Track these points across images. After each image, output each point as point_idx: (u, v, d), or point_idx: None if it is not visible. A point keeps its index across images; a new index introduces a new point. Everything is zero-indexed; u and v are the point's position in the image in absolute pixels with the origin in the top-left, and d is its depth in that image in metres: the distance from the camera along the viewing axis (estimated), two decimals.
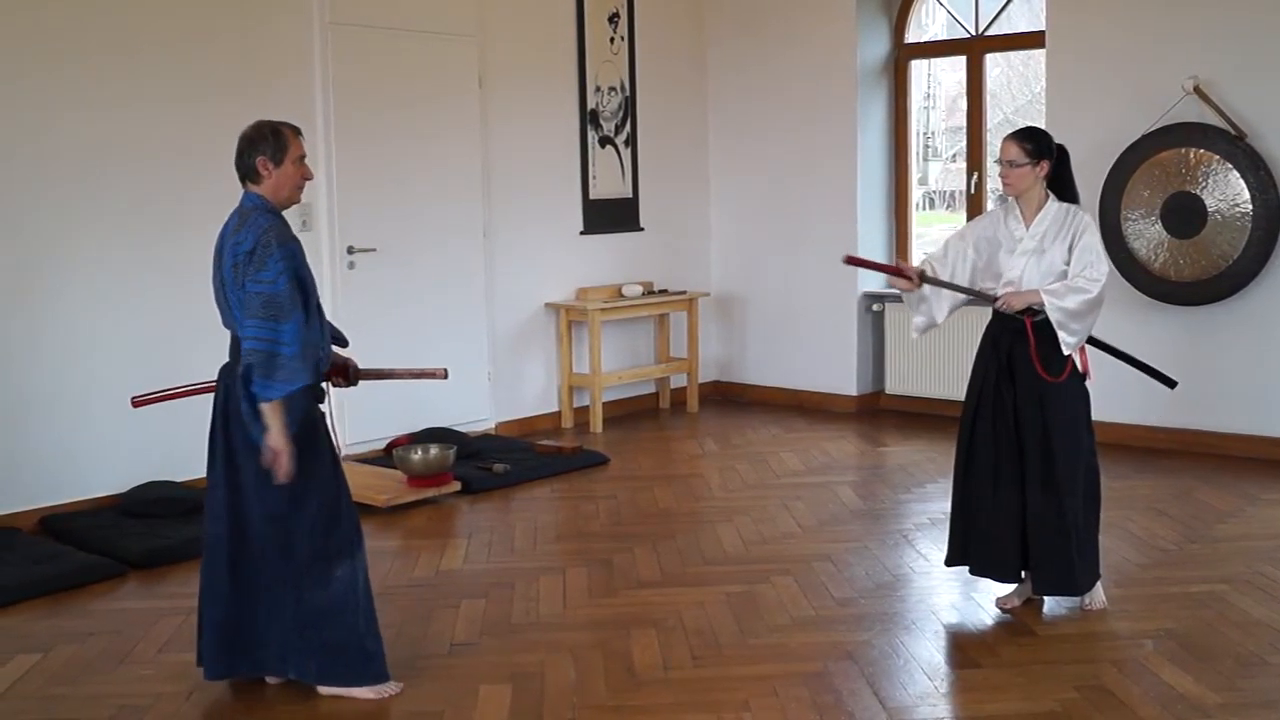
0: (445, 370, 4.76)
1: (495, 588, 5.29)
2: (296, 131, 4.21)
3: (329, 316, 7.32)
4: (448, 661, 4.51)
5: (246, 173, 4.14)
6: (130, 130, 6.59)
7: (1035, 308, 4.73)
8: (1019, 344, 4.79)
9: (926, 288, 4.92)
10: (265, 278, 3.95)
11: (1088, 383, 4.89)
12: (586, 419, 8.63)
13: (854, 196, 8.80)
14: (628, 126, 9.07)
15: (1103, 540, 5.69)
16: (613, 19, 8.91)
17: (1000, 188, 5.04)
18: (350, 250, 7.46)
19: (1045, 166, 4.79)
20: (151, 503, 6.31)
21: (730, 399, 9.55)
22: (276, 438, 3.96)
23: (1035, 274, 4.78)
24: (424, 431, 7.48)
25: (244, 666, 4.21)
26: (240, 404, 4.02)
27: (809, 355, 9.09)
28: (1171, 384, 5.32)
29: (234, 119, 6.90)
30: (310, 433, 4.17)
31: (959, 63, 8.87)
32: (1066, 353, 4.73)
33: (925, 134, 9.58)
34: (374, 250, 7.56)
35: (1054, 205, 4.83)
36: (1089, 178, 7.59)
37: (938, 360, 8.57)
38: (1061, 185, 4.87)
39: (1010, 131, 4.88)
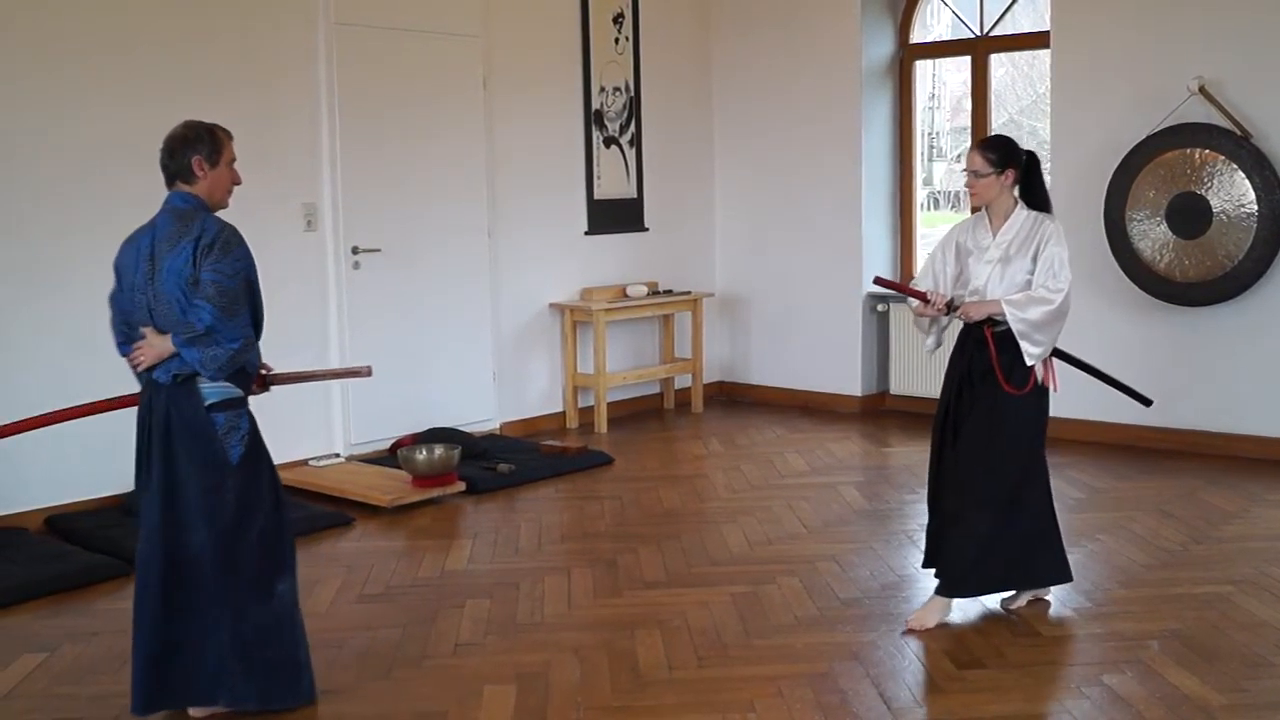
0: (369, 368, 4.68)
1: (500, 588, 5.30)
2: (228, 134, 4.19)
3: (332, 317, 7.41)
4: (452, 661, 4.51)
5: (179, 172, 4.05)
6: (133, 130, 6.57)
7: (997, 318, 4.68)
8: (980, 354, 4.76)
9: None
10: (225, 270, 3.97)
11: (1053, 395, 4.86)
12: (591, 419, 8.63)
13: (859, 196, 8.79)
14: (632, 127, 9.07)
15: (1105, 541, 5.72)
16: (617, 19, 8.91)
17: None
18: (355, 250, 7.46)
19: (1011, 175, 4.74)
20: None
21: (735, 399, 9.55)
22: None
23: (999, 283, 4.73)
24: (428, 431, 7.49)
25: (174, 698, 4.02)
26: (186, 416, 3.97)
27: (813, 356, 9.09)
28: (1147, 402, 5.32)
29: (239, 119, 6.92)
30: (256, 447, 4.13)
31: (964, 63, 8.87)
32: (1030, 363, 4.68)
33: (930, 134, 9.58)
34: (378, 250, 7.56)
35: (1022, 214, 4.76)
36: (1094, 178, 7.61)
37: (942, 361, 8.48)
38: (1033, 193, 4.81)
39: (976, 141, 4.88)
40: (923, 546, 5.67)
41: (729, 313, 9.65)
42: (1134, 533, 5.87)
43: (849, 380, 8.96)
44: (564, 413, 8.71)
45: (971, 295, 4.79)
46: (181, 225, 4.01)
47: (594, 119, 8.81)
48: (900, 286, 5.01)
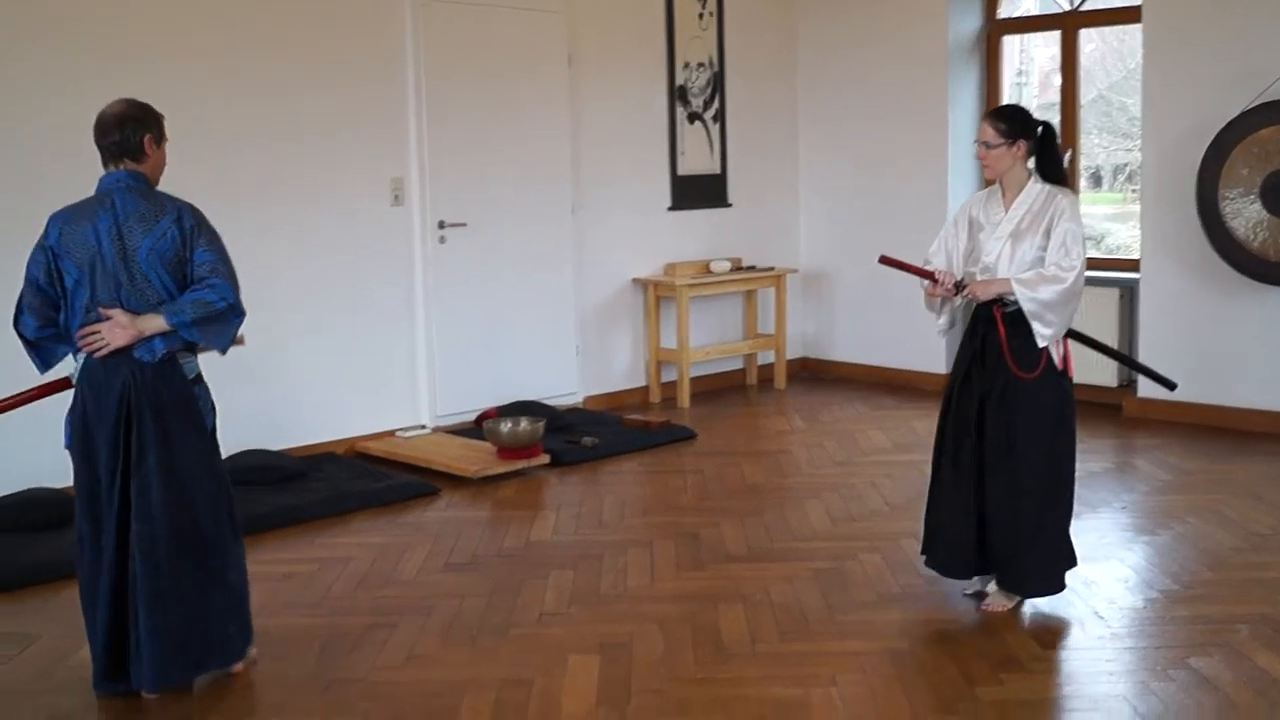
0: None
1: (583, 559, 5.35)
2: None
3: (419, 290, 7.51)
4: (537, 630, 4.57)
5: (129, 150, 3.99)
6: (223, 111, 6.70)
7: (1007, 298, 4.55)
8: (993, 334, 4.61)
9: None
10: (217, 248, 4.05)
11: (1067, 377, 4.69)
12: (674, 394, 8.67)
13: (944, 173, 8.72)
14: (716, 102, 9.06)
15: (1194, 523, 5.66)
16: None
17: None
18: (441, 225, 7.54)
19: (1023, 147, 4.58)
20: (248, 470, 6.44)
21: (817, 376, 9.53)
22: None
23: (1010, 259, 4.57)
24: (513, 404, 7.56)
25: (193, 669, 4.07)
26: (176, 393, 4.02)
27: (897, 333, 9.04)
28: (1171, 386, 5.18)
29: (328, 96, 7.07)
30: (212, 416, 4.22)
31: (1053, 38, 8.75)
32: (1042, 345, 4.52)
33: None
34: (464, 225, 7.63)
35: (1035, 187, 4.61)
36: (1185, 156, 7.49)
37: None
38: (1048, 166, 4.65)
39: (981, 111, 4.73)
40: None
41: (812, 289, 9.63)
42: (1224, 516, 5.80)
43: (933, 357, 8.90)
44: (647, 387, 8.75)
45: (982, 272, 4.64)
46: (150, 205, 3.99)
47: (678, 94, 8.81)
48: (908, 266, 4.81)
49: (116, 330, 3.90)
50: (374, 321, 7.35)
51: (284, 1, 6.87)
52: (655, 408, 8.52)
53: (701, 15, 8.91)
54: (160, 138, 4.09)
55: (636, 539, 5.64)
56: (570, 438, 7.23)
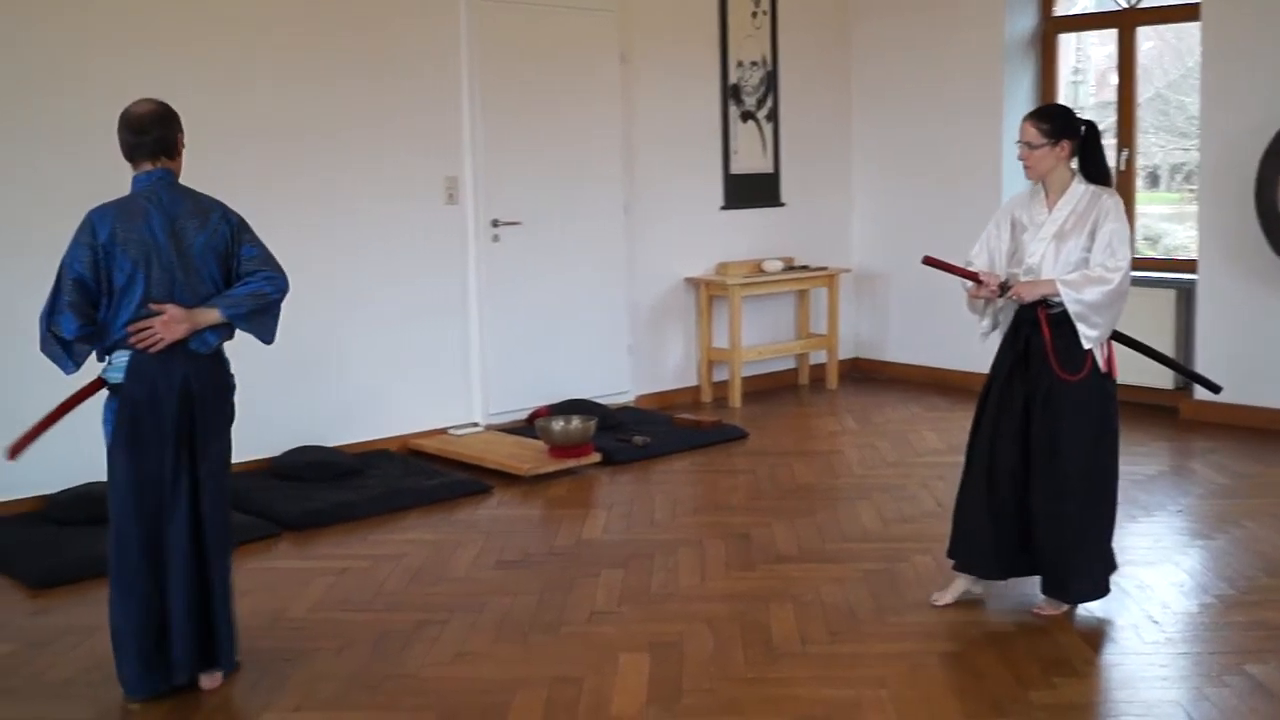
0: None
1: (634, 558, 5.37)
2: None
3: (472, 288, 7.56)
4: (588, 629, 4.59)
5: (165, 148, 4.04)
6: (279, 109, 6.77)
7: (1051, 299, 4.50)
8: (1036, 335, 4.56)
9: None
10: (258, 242, 4.17)
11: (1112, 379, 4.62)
12: (725, 393, 8.67)
13: (998, 173, 8.66)
14: (769, 101, 9.05)
15: (1250, 528, 5.59)
16: None
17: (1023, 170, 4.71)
18: (495, 223, 7.58)
19: (1067, 147, 4.54)
20: (303, 466, 6.51)
21: (869, 376, 9.50)
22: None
23: (1054, 261, 4.52)
24: (565, 403, 7.59)
25: (203, 663, 4.12)
26: (220, 385, 4.14)
27: (950, 333, 8.97)
28: (1216, 389, 5.05)
29: (383, 95, 7.14)
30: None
31: (1110, 36, 8.67)
32: (1088, 347, 4.47)
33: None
34: (518, 223, 7.67)
35: (1079, 188, 4.56)
36: (1244, 155, 7.40)
37: None
38: (1092, 165, 4.60)
39: (1028, 111, 4.61)
40: None
41: (865, 289, 9.60)
42: None
43: (986, 359, 8.68)
44: (698, 387, 8.76)
45: (1025, 273, 4.58)
46: (195, 202, 4.08)
47: (731, 93, 8.81)
48: (952, 267, 4.74)
49: (173, 325, 3.95)
50: (427, 319, 7.40)
51: (339, 3, 6.92)
52: (707, 407, 8.53)
53: (755, 14, 8.90)
54: (183, 138, 4.17)
55: (687, 538, 5.65)
56: (622, 436, 7.25)
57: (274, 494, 6.20)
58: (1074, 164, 4.61)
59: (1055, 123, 4.54)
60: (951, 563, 4.81)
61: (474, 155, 7.48)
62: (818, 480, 6.62)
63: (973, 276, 4.66)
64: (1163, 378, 7.99)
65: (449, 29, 7.35)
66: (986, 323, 4.83)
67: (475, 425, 7.58)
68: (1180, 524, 5.77)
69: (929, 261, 4.82)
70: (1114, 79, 8.63)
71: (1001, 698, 3.95)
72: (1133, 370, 8.15)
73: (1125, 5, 8.48)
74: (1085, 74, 9.46)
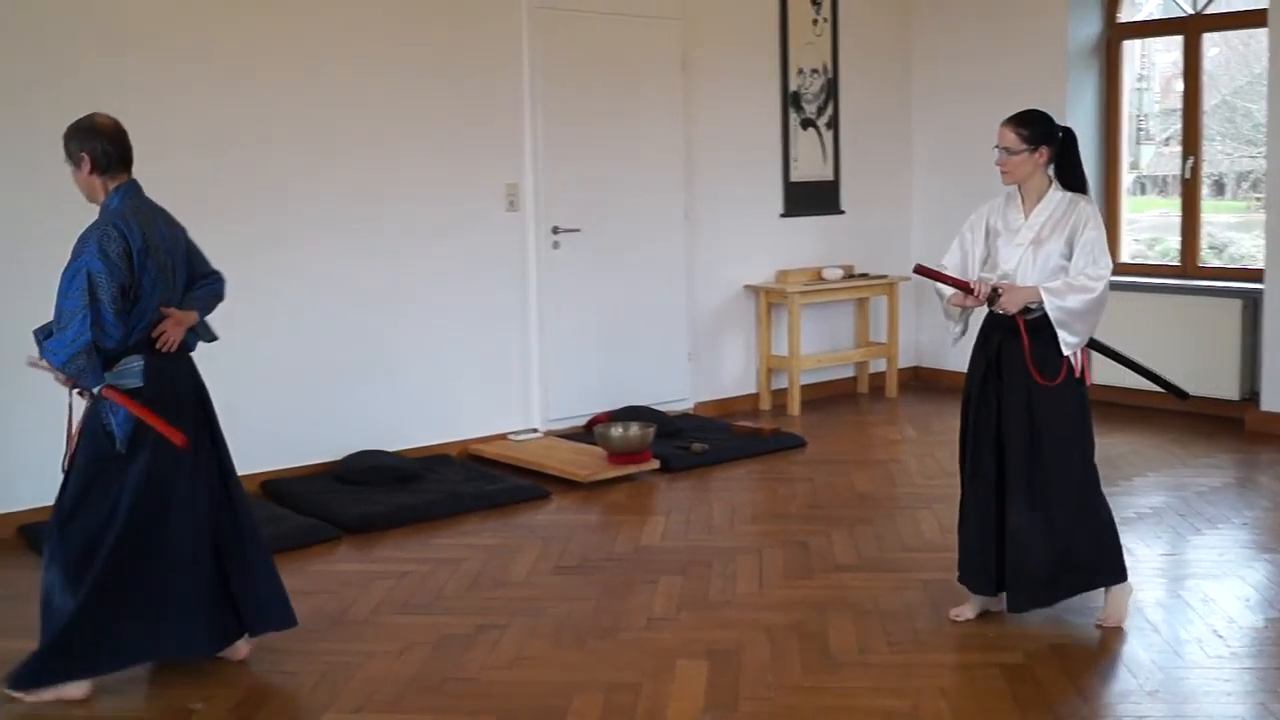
0: None
1: (692, 565, 5.37)
2: None
3: (532, 295, 7.60)
4: (646, 635, 4.60)
5: (130, 160, 4.19)
6: (350, 121, 6.84)
7: (1031, 305, 4.45)
8: (1010, 342, 4.51)
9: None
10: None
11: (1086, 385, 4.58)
12: (784, 401, 8.65)
13: None
14: (830, 109, 9.03)
15: None
16: (816, 0, 8.87)
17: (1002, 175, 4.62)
18: (555, 230, 7.62)
19: (1045, 153, 4.50)
20: (364, 470, 6.57)
21: (929, 385, 9.45)
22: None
23: (1032, 267, 4.49)
24: (624, 410, 7.61)
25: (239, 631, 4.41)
26: (199, 377, 4.35)
27: None
28: (1183, 395, 4.99)
29: (446, 103, 7.19)
30: None
31: (1175, 42, 8.59)
32: (1067, 353, 4.44)
33: (1138, 116, 9.30)
34: (578, 230, 7.70)
35: (1056, 194, 4.53)
36: None
37: (1146, 350, 8.28)
38: (1068, 172, 4.56)
39: (1008, 116, 4.55)
40: (1125, 541, 5.56)
41: (925, 297, 9.53)
42: None
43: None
44: (757, 394, 8.75)
45: (1001, 278, 4.53)
46: (161, 210, 4.27)
47: (791, 101, 8.80)
48: (943, 276, 4.64)
49: (178, 327, 4.20)
50: (488, 325, 7.45)
51: (402, 11, 6.99)
52: (765, 415, 8.52)
53: (816, 21, 8.89)
54: None
55: (745, 546, 5.64)
56: (680, 443, 7.26)
57: (335, 497, 6.26)
58: (1050, 171, 4.59)
59: (1035, 128, 4.52)
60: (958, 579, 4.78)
61: (535, 162, 7.52)
62: (877, 489, 6.59)
63: (964, 285, 4.59)
64: (1229, 388, 7.91)
65: (511, 37, 7.40)
66: (959, 328, 4.81)
67: (534, 431, 7.61)
68: (1246, 537, 5.70)
69: (921, 270, 4.73)
70: (1179, 86, 8.54)
71: (1064, 711, 3.92)
72: (1197, 380, 8.08)
73: (1191, 11, 8.39)
74: (1150, 81, 9.37)
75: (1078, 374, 4.55)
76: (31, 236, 5.86)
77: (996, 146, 4.56)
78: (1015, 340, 4.50)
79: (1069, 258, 4.49)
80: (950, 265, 4.70)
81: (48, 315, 4.07)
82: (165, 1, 6.24)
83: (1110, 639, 4.49)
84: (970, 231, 4.70)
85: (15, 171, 5.90)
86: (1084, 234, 4.47)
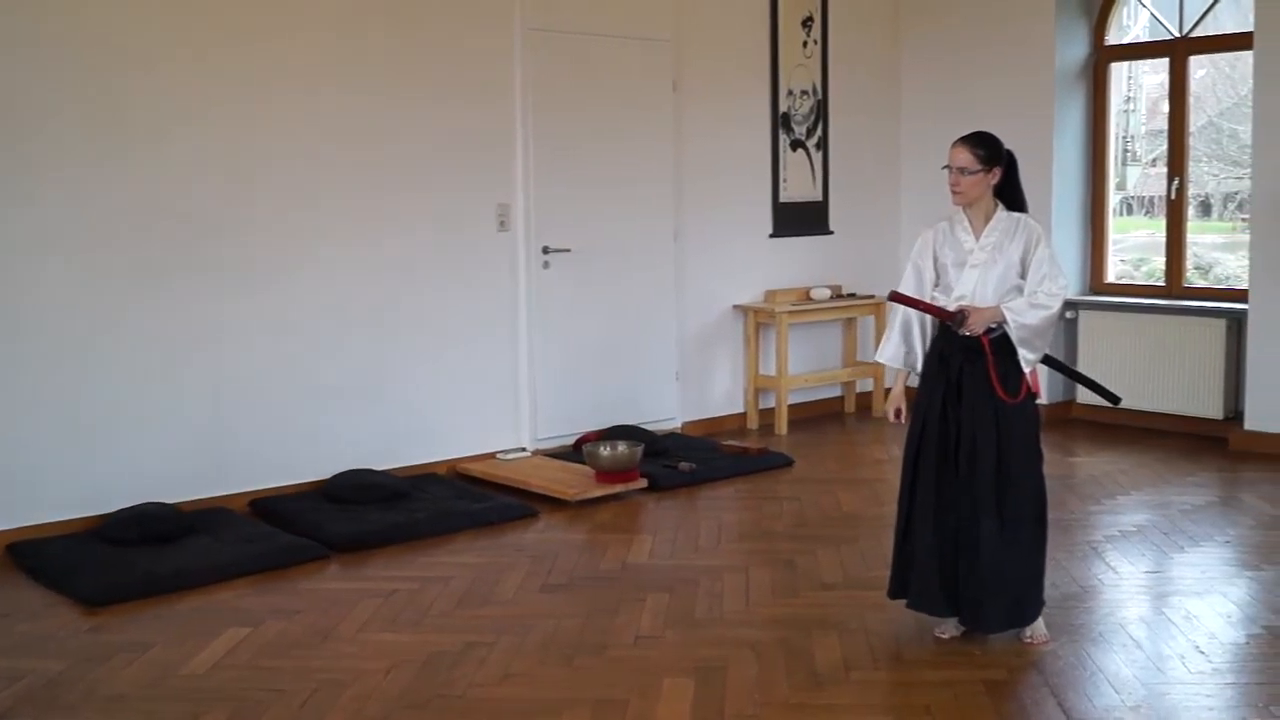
0: None
1: (680, 583, 5.40)
2: None
3: (522, 314, 7.61)
4: (633, 652, 4.62)
5: None
6: (341, 141, 6.88)
7: (991, 325, 4.50)
8: (971, 363, 4.54)
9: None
10: None
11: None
12: (772, 421, 8.69)
13: (1049, 202, 8.63)
14: (819, 130, 9.09)
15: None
16: (806, 22, 8.94)
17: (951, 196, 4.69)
18: (545, 250, 7.65)
19: (998, 174, 4.56)
20: (353, 489, 6.59)
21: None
22: None
23: (989, 288, 4.54)
24: (612, 428, 7.63)
25: None
26: None
27: None
28: (1115, 400, 5.03)
29: (438, 122, 7.23)
30: None
31: (1161, 65, 8.66)
32: (1027, 369, 4.51)
33: (1125, 138, 9.37)
34: (568, 250, 7.74)
35: (1003, 215, 4.59)
36: None
37: (1132, 370, 8.37)
38: (1010, 193, 4.63)
39: (959, 136, 4.60)
40: (1109, 559, 5.64)
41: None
42: None
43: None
44: (745, 414, 8.78)
45: (957, 301, 4.57)
46: None
47: (781, 122, 8.86)
48: (922, 304, 4.65)
49: None
50: (478, 345, 7.48)
51: (395, 30, 7.03)
52: (753, 434, 8.55)
53: (806, 43, 8.95)
54: None
55: (732, 564, 5.67)
56: (668, 462, 7.29)
57: (324, 516, 6.28)
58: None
59: (989, 149, 4.57)
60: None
61: (526, 183, 7.56)
62: (863, 508, 6.62)
63: (942, 312, 4.61)
64: (1213, 407, 7.97)
65: (503, 57, 7.45)
66: (904, 351, 4.77)
67: (523, 450, 7.63)
68: (1229, 554, 5.74)
69: (898, 298, 4.71)
70: (1165, 107, 8.61)
71: None
72: (1182, 399, 8.13)
73: (1178, 34, 8.47)
74: (1136, 102, 9.44)
75: (1033, 389, 4.61)
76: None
77: (949, 166, 4.60)
78: (977, 360, 4.54)
79: (1023, 275, 4.55)
80: (910, 293, 4.71)
81: None
82: (161, 28, 6.27)
83: (1089, 654, 4.51)
84: (921, 260, 4.73)
85: None
86: (1037, 252, 4.54)
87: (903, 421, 4.68)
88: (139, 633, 4.88)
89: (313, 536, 5.99)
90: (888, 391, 9.15)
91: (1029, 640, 4.62)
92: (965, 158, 4.56)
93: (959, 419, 4.58)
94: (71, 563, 5.61)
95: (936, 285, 4.69)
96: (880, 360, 4.82)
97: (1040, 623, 4.68)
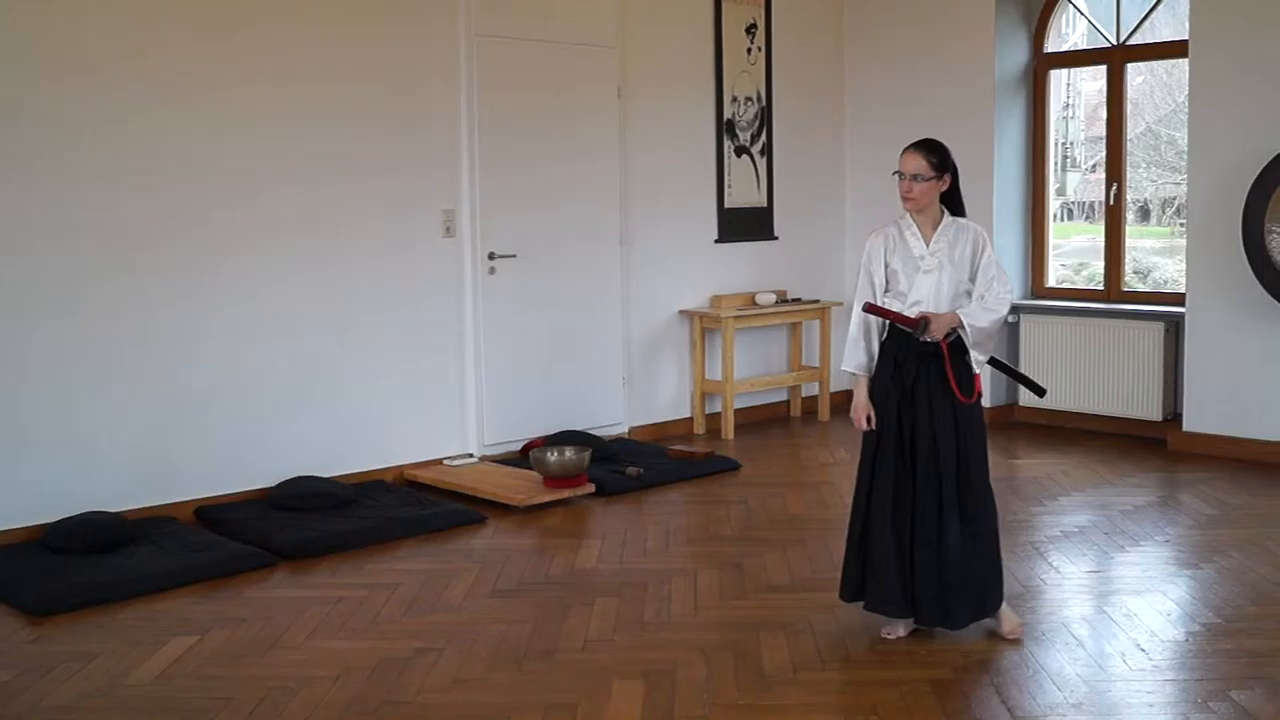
0: None
1: (628, 587, 5.42)
2: None
3: (469, 321, 7.60)
4: (582, 656, 4.63)
5: None
6: (286, 145, 6.84)
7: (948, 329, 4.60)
8: (926, 367, 4.61)
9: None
10: None
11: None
12: (718, 425, 8.73)
13: (990, 207, 8.74)
14: (763, 136, 9.15)
15: (1237, 557, 5.67)
16: (750, 30, 9.00)
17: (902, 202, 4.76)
18: (491, 256, 7.65)
19: (947, 181, 4.66)
20: (299, 496, 6.56)
21: None
22: None
23: (942, 293, 4.62)
24: (560, 434, 7.64)
25: None
26: None
27: None
28: (1040, 391, 5.06)
29: (383, 128, 7.20)
30: None
31: (1100, 72, 8.79)
32: (977, 370, 4.62)
33: (1064, 144, 9.49)
34: (514, 256, 7.74)
35: (949, 220, 4.68)
36: (1231, 189, 7.50)
37: (1072, 372, 8.49)
38: (954, 199, 4.72)
39: (910, 144, 4.67)
40: (1052, 559, 5.71)
41: None
42: (1267, 550, 5.79)
43: (993, 387, 8.88)
44: (692, 418, 8.82)
45: (912, 307, 4.64)
46: None
47: (725, 128, 8.91)
48: (894, 315, 4.67)
49: None
50: (424, 351, 7.46)
51: (339, 34, 7.01)
52: (700, 438, 8.59)
53: (750, 50, 9.01)
54: None
55: (680, 568, 5.69)
56: (615, 468, 7.30)
57: (270, 523, 6.24)
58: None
59: (941, 156, 4.66)
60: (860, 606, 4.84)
61: (471, 188, 7.55)
62: (809, 511, 6.67)
63: (908, 320, 4.64)
64: (1152, 409, 8.10)
65: (449, 63, 7.44)
66: (864, 358, 4.77)
67: (470, 456, 7.62)
68: (1168, 554, 5.83)
69: (870, 309, 4.72)
70: (1104, 114, 8.73)
71: None
72: (1121, 402, 8.26)
73: (1115, 43, 8.59)
74: (1076, 109, 9.57)
75: (978, 390, 4.70)
76: None
77: (899, 173, 4.66)
78: (932, 364, 4.61)
79: (972, 279, 4.65)
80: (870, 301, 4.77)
81: None
82: (103, 30, 6.21)
83: (1034, 653, 4.58)
84: (873, 265, 4.77)
85: None
86: (983, 256, 4.65)
87: (872, 427, 4.71)
88: (83, 643, 4.83)
89: (259, 544, 5.95)
90: (840, 395, 9.27)
91: (1010, 635, 4.69)
92: (918, 164, 4.62)
93: (914, 422, 4.63)
94: (13, 572, 5.55)
95: (887, 291, 4.74)
96: (846, 369, 4.84)
97: (1010, 612, 4.76)
